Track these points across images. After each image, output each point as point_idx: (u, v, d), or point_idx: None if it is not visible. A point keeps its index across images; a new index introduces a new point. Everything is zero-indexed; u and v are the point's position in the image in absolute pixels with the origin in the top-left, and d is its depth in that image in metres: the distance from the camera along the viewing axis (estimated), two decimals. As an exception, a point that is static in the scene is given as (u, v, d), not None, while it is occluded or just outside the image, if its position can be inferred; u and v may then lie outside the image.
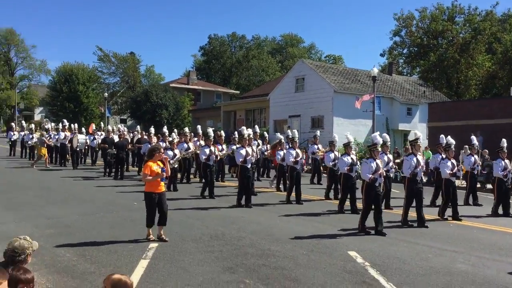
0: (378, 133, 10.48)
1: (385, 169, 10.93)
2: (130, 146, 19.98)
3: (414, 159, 10.39)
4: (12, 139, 26.56)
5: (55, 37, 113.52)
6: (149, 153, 8.20)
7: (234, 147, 16.57)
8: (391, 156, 13.48)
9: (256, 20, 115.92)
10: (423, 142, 28.89)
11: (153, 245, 7.72)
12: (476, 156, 14.31)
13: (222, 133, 18.35)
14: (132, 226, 9.24)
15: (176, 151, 14.92)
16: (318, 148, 17.72)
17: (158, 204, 8.02)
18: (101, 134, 22.39)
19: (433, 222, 10.91)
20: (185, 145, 16.60)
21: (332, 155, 13.97)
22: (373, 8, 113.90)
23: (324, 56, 76.76)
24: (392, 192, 13.06)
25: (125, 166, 18.88)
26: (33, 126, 27.55)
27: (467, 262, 7.54)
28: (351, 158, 12.06)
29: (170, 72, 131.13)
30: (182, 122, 44.04)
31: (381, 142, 10.23)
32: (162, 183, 8.10)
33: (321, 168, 18.38)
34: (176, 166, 14.77)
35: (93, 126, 25.02)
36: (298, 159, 13.17)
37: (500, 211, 12.41)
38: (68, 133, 21.80)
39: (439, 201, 12.74)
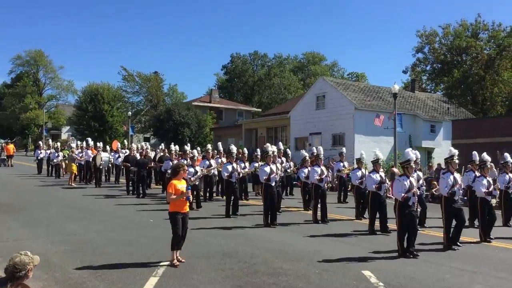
0: (410, 149, 9.88)
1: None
2: (152, 164, 20.22)
3: (451, 177, 9.83)
4: (39, 158, 27.20)
5: (82, 58, 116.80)
6: (173, 171, 7.97)
7: (256, 164, 16.61)
8: (421, 174, 13.09)
9: (278, 38, 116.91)
10: (442, 160, 28.41)
11: (165, 262, 7.72)
12: (511, 174, 13.25)
13: (245, 150, 18.26)
14: (146, 244, 9.28)
15: (198, 168, 14.96)
16: (344, 166, 17.48)
17: (183, 225, 7.67)
18: (126, 152, 22.75)
19: (473, 244, 10.38)
20: (207, 162, 16.69)
21: (359, 173, 13.60)
22: (395, 25, 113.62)
23: (347, 73, 76.71)
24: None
25: (146, 184, 19.06)
26: (58, 144, 28.23)
27: (485, 283, 7.30)
28: (380, 176, 11.56)
29: (193, 91, 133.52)
30: (204, 140, 44.42)
31: (414, 158, 9.61)
32: (187, 203, 7.78)
33: (348, 186, 18.14)
34: (197, 183, 14.76)
35: (117, 143, 25.45)
36: (323, 176, 12.89)
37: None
38: (93, 151, 22.25)
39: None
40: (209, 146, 18.37)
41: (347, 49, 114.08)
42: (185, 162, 17.30)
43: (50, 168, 25.59)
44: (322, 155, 13.54)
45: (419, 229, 9.97)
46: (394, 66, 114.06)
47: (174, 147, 20.07)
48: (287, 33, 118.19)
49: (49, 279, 6.47)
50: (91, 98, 49.42)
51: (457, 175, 10.04)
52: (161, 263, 7.68)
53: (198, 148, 23.03)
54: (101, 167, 21.46)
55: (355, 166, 14.58)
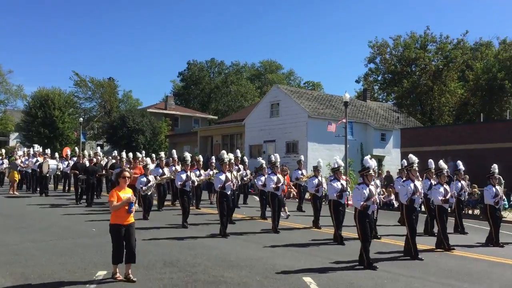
0: (369, 156, 9.65)
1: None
2: (103, 172, 19.66)
3: (411, 185, 9.74)
4: (-16, 166, 25.91)
5: (32, 62, 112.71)
6: (116, 179, 7.66)
7: (211, 172, 16.37)
8: (378, 182, 13.12)
9: (235, 46, 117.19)
10: (393, 167, 29.19)
11: (101, 272, 7.45)
12: (463, 182, 13.65)
13: (200, 157, 17.90)
14: (84, 253, 8.94)
15: (151, 177, 14.52)
16: (302, 174, 17.38)
17: (126, 238, 7.09)
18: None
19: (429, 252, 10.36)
20: (160, 170, 16.29)
21: (315, 181, 13.56)
22: (350, 36, 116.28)
23: (303, 82, 77.72)
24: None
25: (96, 192, 18.50)
26: (3, 151, 27.03)
27: (421, 286, 7.45)
28: (341, 184, 11.34)
29: (148, 98, 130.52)
30: (159, 148, 43.77)
31: (373, 166, 9.27)
32: (131, 214, 7.20)
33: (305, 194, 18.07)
34: (149, 193, 14.37)
35: (67, 150, 24.63)
36: (279, 185, 12.76)
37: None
38: (41, 159, 21.40)
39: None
40: (162, 153, 17.92)
41: (304, 58, 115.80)
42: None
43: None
44: (278, 163, 13.45)
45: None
46: (349, 75, 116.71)
47: (125, 154, 19.58)
48: (245, 41, 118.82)
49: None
50: (41, 103, 47.66)
51: (417, 182, 9.96)
52: (97, 274, 7.41)
53: (153, 155, 22.62)
54: (47, 175, 20.66)
55: (312, 174, 14.52)
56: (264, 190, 14.15)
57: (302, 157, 18.49)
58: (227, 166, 11.89)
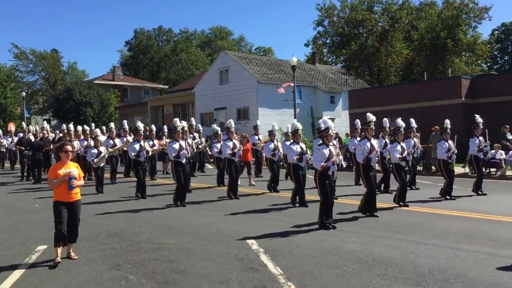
0: (327, 117, 9.45)
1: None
2: (51, 146, 19.08)
3: (368, 144, 9.70)
4: None
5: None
6: (55, 154, 6.85)
7: (163, 142, 16.17)
8: (336, 143, 13.00)
9: (184, 13, 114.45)
10: (342, 129, 29.89)
11: (41, 247, 7.37)
12: (416, 139, 13.76)
13: (153, 127, 17.61)
14: (25, 229, 8.79)
15: (102, 149, 14.27)
16: (259, 139, 17.34)
17: (68, 216, 6.62)
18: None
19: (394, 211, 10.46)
20: (111, 141, 15.99)
21: (271, 145, 13.54)
22: None
23: (254, 48, 77.22)
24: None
25: (44, 168, 17.95)
26: None
27: (359, 242, 7.73)
28: (300, 147, 11.12)
29: (95, 69, 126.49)
30: (108, 120, 42.85)
31: (333, 126, 9.09)
32: (74, 191, 6.68)
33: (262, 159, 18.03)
34: (102, 165, 14.16)
35: (11, 126, 23.71)
36: (236, 150, 12.71)
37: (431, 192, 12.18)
38: None
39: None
40: (112, 124, 17.55)
41: (254, 24, 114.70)
42: (85, 143, 16.59)
43: None
44: (233, 129, 13.28)
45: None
46: (300, 40, 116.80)
47: (72, 127, 18.98)
48: (193, 7, 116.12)
49: None
50: (-20, 79, 45.43)
51: (373, 141, 9.96)
52: (37, 248, 7.32)
53: (104, 128, 22.16)
54: None
55: (268, 138, 14.52)
56: (220, 157, 14.13)
57: (258, 122, 18.54)
58: (180, 134, 11.71)
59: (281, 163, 15.37)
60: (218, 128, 14.81)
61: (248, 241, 7.78)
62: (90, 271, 6.24)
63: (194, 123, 17.40)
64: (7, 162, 22.29)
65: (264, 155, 16.16)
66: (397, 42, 46.78)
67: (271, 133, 14.08)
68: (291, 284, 5.62)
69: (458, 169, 18.51)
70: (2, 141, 20.90)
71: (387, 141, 12.05)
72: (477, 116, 13.04)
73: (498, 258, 6.61)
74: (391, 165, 11.65)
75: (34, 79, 53.88)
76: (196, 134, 17.52)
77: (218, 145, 13.90)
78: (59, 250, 6.59)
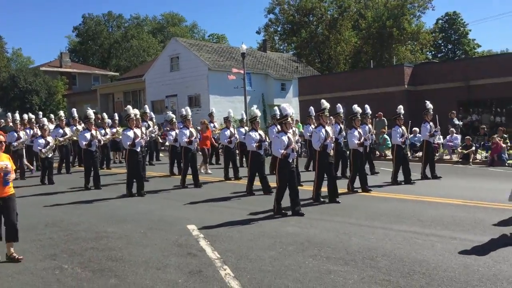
0: (287, 104, 9.22)
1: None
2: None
3: (323, 130, 9.67)
4: None
5: None
6: None
7: (114, 130, 15.83)
8: (296, 130, 12.73)
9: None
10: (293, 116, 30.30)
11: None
12: (370, 126, 13.57)
13: (105, 115, 17.18)
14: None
15: (49, 139, 13.85)
16: (214, 126, 17.21)
17: (4, 213, 6.20)
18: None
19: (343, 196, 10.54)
20: (61, 130, 15.52)
21: (227, 132, 13.42)
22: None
23: (208, 35, 76.54)
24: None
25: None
26: None
27: (297, 224, 7.98)
28: (259, 134, 11.07)
29: (41, 56, 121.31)
30: (56, 108, 41.60)
31: (291, 113, 8.97)
32: (9, 186, 6.26)
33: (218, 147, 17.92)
34: (50, 155, 13.75)
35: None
36: (192, 138, 12.45)
37: (400, 177, 12.26)
38: None
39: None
40: (61, 113, 16.90)
41: (207, 11, 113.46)
42: (31, 132, 15.99)
43: None
44: (190, 116, 12.92)
45: None
46: (253, 27, 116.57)
47: (18, 116, 18.16)
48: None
49: None
50: None
51: (328, 128, 9.93)
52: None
53: (51, 116, 21.46)
54: None
55: (224, 125, 14.40)
56: (175, 146, 13.95)
57: (214, 109, 18.41)
58: (134, 122, 11.44)
59: (237, 150, 15.26)
60: (173, 116, 14.57)
61: (189, 226, 7.89)
62: (23, 261, 6.16)
63: (148, 110, 17.10)
64: None
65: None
66: (346, 31, 47.69)
67: (227, 120, 13.93)
68: (227, 267, 5.78)
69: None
70: None
71: (342, 126, 12.18)
72: (427, 102, 13.31)
73: (424, 236, 7.03)
74: (348, 151, 11.68)
75: (-25, 66, 51.32)
76: (150, 122, 17.28)
77: (173, 133, 13.69)
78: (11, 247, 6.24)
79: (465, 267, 5.58)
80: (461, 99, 24.51)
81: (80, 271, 5.76)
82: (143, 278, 5.47)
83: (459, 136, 18.34)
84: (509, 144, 16.83)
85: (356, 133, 10.99)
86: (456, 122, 19.75)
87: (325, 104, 9.96)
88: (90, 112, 13.22)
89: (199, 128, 16.18)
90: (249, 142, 10.93)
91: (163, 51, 37.14)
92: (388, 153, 18.30)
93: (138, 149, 11.32)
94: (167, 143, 21.73)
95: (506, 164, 16.03)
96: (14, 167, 6.58)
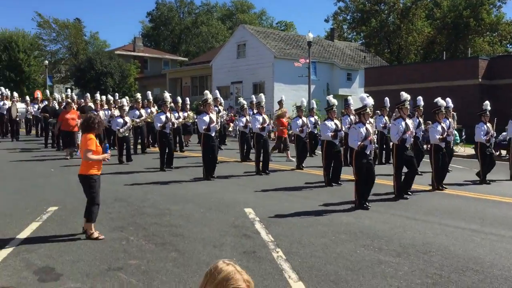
0: (366, 94, 8.93)
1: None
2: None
3: (403, 123, 9.27)
4: None
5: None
6: (88, 126, 6.43)
7: (186, 114, 16.09)
8: (373, 121, 12.49)
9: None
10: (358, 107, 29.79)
11: (52, 208, 7.89)
12: (451, 120, 12.11)
13: (179, 99, 17.25)
14: (37, 192, 9.33)
15: (127, 119, 14.15)
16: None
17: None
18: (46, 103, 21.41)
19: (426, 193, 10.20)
20: (137, 112, 15.90)
21: (299, 121, 12.99)
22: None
23: (276, 22, 76.54)
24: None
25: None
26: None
27: (352, 215, 8.07)
28: (335, 124, 10.80)
29: (116, 39, 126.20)
30: (128, 90, 43.58)
31: (370, 104, 8.62)
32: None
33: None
34: (127, 134, 14.04)
35: (38, 93, 24.17)
36: (265, 125, 12.30)
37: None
38: (8, 102, 20.87)
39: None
40: (138, 95, 17.32)
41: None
42: (109, 113, 16.76)
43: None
44: (263, 103, 12.75)
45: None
46: (322, 15, 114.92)
47: (99, 97, 18.89)
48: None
49: None
50: (5, 46, 46.22)
51: (409, 121, 9.56)
52: (49, 209, 7.84)
53: (127, 98, 22.32)
54: (17, 119, 20.19)
55: (295, 114, 14.18)
56: (245, 132, 13.91)
57: (283, 97, 17.82)
58: (210, 107, 11.44)
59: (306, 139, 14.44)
60: (245, 102, 14.50)
61: (246, 210, 8.18)
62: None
63: (218, 96, 16.97)
64: (33, 129, 22.82)
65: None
66: (419, 20, 45.96)
67: (299, 109, 13.44)
68: (279, 250, 6.00)
69: (468, 150, 18.63)
70: (28, 108, 21.29)
71: (421, 120, 11.63)
72: (486, 102, 12.26)
73: (483, 234, 6.89)
74: (428, 146, 11.13)
75: (57, 48, 54.68)
76: (220, 108, 17.28)
77: (244, 119, 13.64)
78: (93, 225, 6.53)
79: (522, 268, 5.46)
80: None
81: (144, 243, 6.21)
82: (201, 254, 5.82)
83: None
84: None
85: (439, 127, 10.19)
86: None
87: (405, 95, 9.59)
88: (167, 95, 13.35)
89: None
90: (324, 132, 10.79)
91: (231, 38, 37.70)
92: (456, 149, 17.67)
93: (213, 134, 11.32)
94: (230, 129, 22.34)
95: None
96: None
